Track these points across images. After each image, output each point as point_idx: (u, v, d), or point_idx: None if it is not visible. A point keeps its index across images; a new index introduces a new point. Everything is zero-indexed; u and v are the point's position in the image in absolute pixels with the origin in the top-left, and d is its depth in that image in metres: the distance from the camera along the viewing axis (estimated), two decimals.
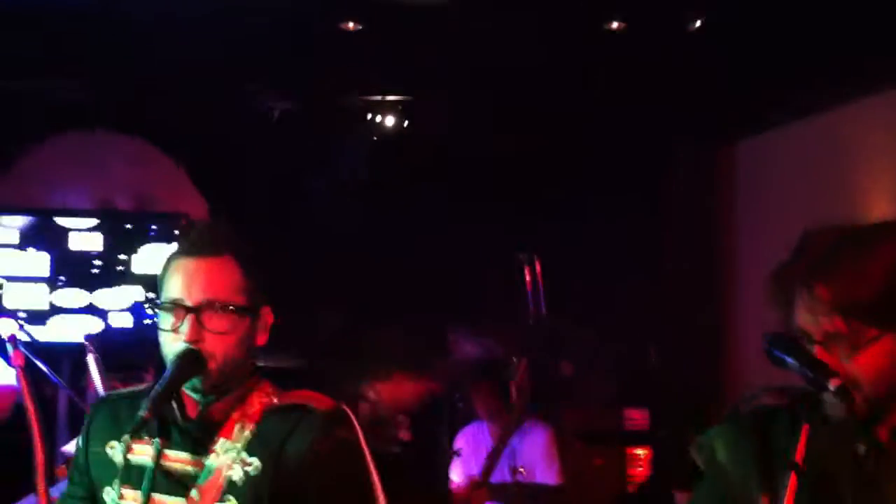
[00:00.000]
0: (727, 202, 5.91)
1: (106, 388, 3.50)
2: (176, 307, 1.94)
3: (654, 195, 5.85)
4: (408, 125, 5.22)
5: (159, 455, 1.95)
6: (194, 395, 1.98)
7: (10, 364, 3.08)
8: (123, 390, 2.19)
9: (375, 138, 5.34)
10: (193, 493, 1.94)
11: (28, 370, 3.10)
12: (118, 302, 5.53)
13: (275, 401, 2.01)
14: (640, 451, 5.20)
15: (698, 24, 4.55)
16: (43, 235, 5.50)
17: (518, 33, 4.68)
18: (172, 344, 1.95)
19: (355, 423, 2.02)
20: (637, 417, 5.24)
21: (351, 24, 4.37)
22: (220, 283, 1.95)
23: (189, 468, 1.97)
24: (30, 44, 4.72)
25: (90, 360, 3.55)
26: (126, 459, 2.00)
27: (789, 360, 1.56)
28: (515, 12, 4.45)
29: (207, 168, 5.78)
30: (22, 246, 5.50)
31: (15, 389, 3.74)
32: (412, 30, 4.65)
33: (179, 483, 1.96)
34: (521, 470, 4.17)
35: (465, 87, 5.10)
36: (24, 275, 5.51)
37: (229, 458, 1.95)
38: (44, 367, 3.27)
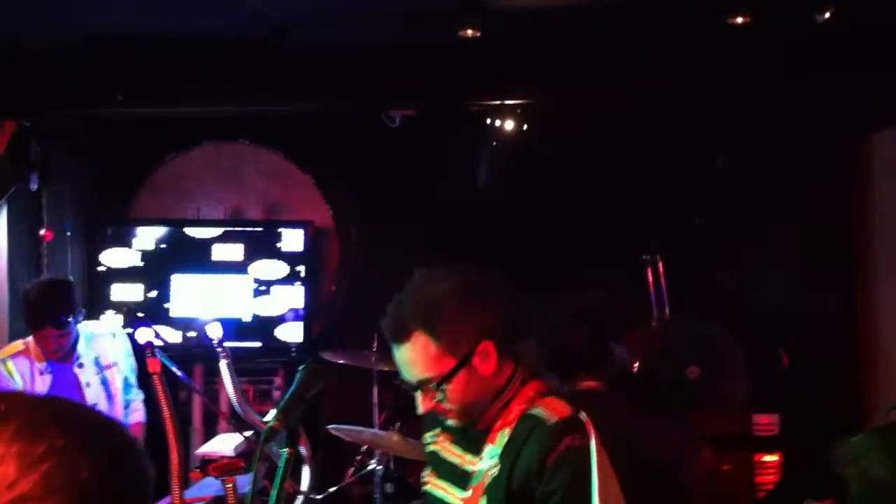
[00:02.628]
0: (863, 197, 5.72)
1: (237, 392, 3.63)
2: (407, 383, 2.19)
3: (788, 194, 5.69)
4: (527, 128, 5.22)
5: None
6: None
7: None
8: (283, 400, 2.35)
9: (495, 143, 5.35)
10: (469, 492, 2.17)
11: (164, 375, 3.25)
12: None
13: (529, 407, 2.16)
14: (769, 458, 5.07)
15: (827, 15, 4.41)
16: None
17: (637, 34, 4.64)
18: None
19: (590, 430, 2.10)
20: (766, 422, 5.10)
21: (469, 32, 4.40)
22: (418, 364, 2.14)
23: (462, 464, 2.23)
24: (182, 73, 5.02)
25: (223, 365, 3.68)
26: (434, 450, 2.32)
27: None
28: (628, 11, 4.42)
29: (333, 176, 5.90)
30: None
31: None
32: (529, 35, 4.66)
33: (459, 476, 2.22)
34: None
35: (585, 90, 5.07)
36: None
37: (491, 463, 2.14)
38: (179, 373, 3.41)
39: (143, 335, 3.29)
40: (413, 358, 2.13)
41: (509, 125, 5.22)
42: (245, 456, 3.42)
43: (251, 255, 5.63)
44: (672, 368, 4.48)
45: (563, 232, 5.62)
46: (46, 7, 4.25)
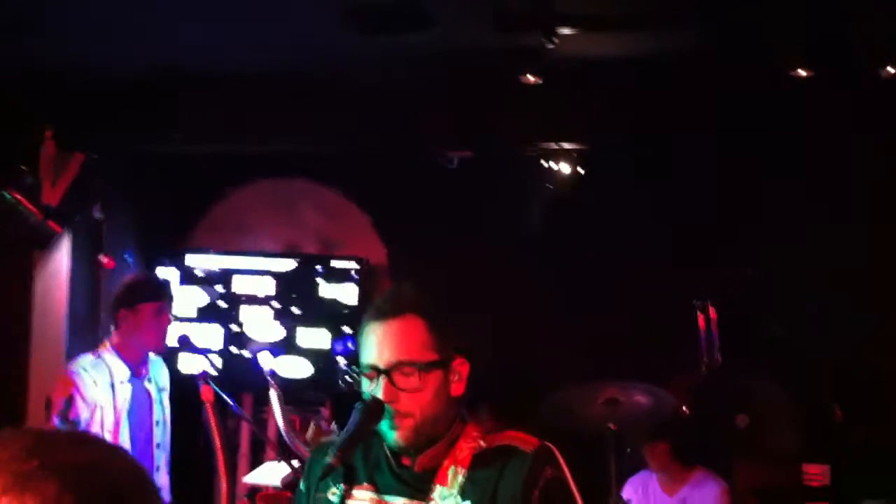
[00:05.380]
0: None
1: (286, 422, 3.68)
2: (371, 370, 2.08)
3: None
4: (583, 173, 5.25)
5: (343, 498, 2.10)
6: (401, 452, 2.10)
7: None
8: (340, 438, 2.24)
9: (549, 186, 5.39)
10: None
11: (216, 404, 3.31)
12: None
13: (482, 444, 2.12)
14: None
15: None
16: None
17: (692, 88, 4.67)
18: None
19: (561, 459, 2.09)
20: (817, 473, 5.01)
21: (531, 78, 4.45)
22: (405, 343, 2.06)
23: None
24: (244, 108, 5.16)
25: (272, 394, 3.73)
26: None
27: None
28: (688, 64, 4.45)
29: (389, 215, 5.97)
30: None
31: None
32: (590, 82, 4.71)
33: None
34: None
35: (642, 137, 5.11)
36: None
37: (449, 503, 2.06)
38: (230, 402, 3.48)
39: (197, 364, 3.36)
40: (400, 335, 2.06)
41: (565, 169, 5.25)
42: (291, 487, 3.45)
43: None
44: (722, 417, 4.45)
45: (614, 277, 5.61)
46: (118, 41, 4.38)
